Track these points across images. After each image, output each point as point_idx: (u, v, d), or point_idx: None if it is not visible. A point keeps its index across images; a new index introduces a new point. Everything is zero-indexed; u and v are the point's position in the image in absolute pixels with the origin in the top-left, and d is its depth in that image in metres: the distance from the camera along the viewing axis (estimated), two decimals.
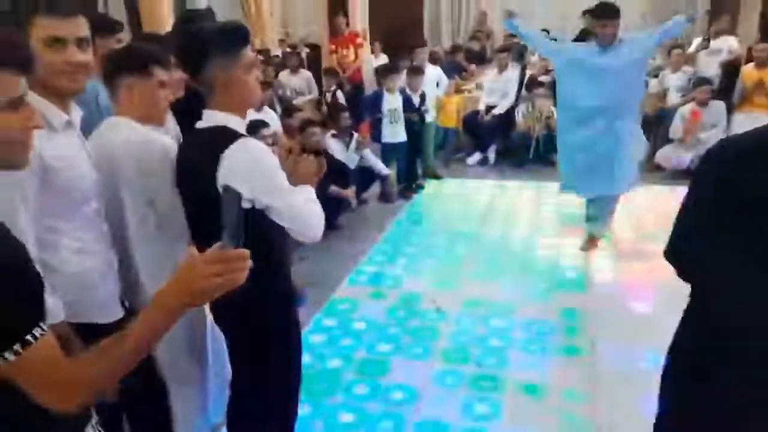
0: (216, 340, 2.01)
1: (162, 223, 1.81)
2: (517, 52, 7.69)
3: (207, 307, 1.93)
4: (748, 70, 5.84)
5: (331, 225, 4.55)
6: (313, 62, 8.24)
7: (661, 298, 3.35)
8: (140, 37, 3.27)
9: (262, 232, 1.59)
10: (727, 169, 1.25)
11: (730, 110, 5.72)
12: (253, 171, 1.59)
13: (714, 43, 6.32)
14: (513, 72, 6.71)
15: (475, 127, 6.60)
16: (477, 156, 6.65)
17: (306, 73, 7.59)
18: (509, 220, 4.86)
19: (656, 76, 6.67)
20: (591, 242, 4.14)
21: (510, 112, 6.46)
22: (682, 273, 1.35)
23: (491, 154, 6.61)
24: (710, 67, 6.28)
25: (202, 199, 1.63)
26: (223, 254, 0.96)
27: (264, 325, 1.77)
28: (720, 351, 1.28)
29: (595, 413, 2.55)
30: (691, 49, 6.60)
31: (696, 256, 1.31)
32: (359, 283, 3.83)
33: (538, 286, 3.69)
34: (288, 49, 8.81)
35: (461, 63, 7.95)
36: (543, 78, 6.75)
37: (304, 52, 8.86)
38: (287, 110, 5.50)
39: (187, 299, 0.98)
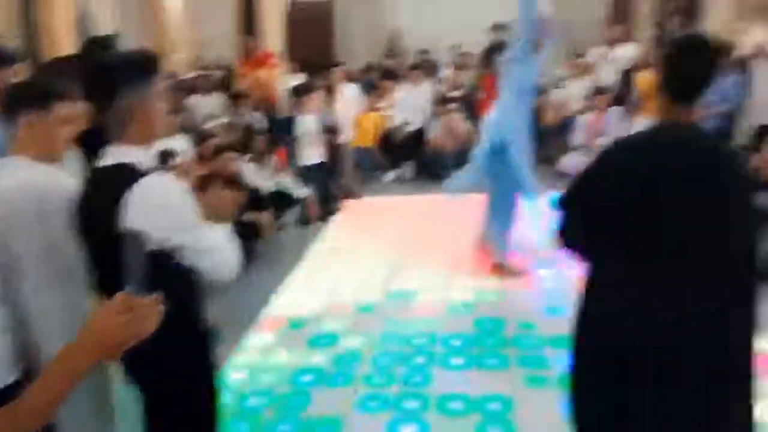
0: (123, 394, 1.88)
1: (62, 272, 1.70)
2: (430, 69, 7.85)
3: None
4: (644, 76, 6.20)
5: (246, 254, 4.43)
6: (226, 85, 8.07)
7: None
8: (41, 68, 3.07)
9: (172, 274, 1.51)
10: (622, 163, 1.52)
11: (629, 116, 6.04)
12: (160, 210, 1.51)
13: (612, 52, 6.68)
14: (426, 88, 6.83)
15: (391, 145, 6.65)
16: (393, 173, 6.69)
17: (218, 97, 7.43)
18: (429, 237, 4.89)
19: (558, 87, 6.99)
20: (499, 270, 4.07)
21: (424, 128, 6.56)
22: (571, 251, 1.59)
23: (408, 171, 6.67)
24: (610, 75, 6.63)
25: (105, 245, 1.52)
26: (131, 302, 0.91)
27: (178, 370, 1.67)
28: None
29: (520, 421, 2.59)
30: (591, 58, 6.94)
31: (585, 248, 1.56)
32: (278, 314, 3.73)
33: (459, 301, 3.72)
34: (199, 72, 8.61)
35: (376, 81, 8.01)
36: (454, 93, 6.90)
37: (216, 74, 8.68)
38: (199, 136, 5.35)
39: (96, 355, 0.91)
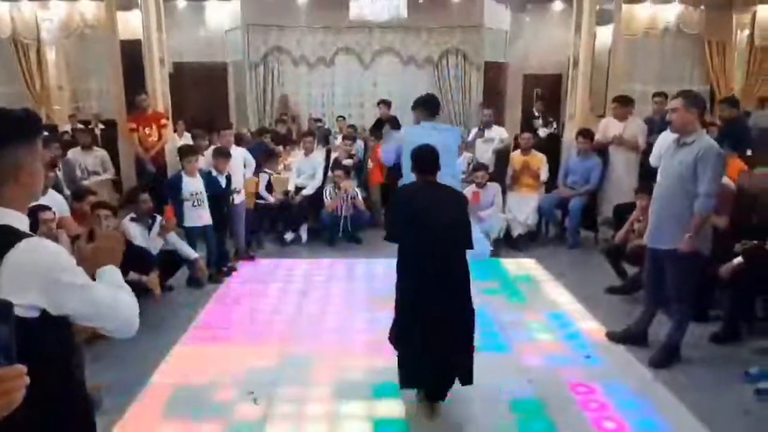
0: None
1: None
2: (322, 136, 8.01)
3: None
4: (516, 156, 6.79)
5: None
6: (109, 139, 7.67)
7: None
8: None
9: (45, 340, 1.37)
10: (405, 197, 3.12)
11: (504, 191, 6.53)
12: (41, 274, 1.37)
13: (488, 133, 7.24)
14: (319, 154, 6.94)
15: (287, 207, 6.62)
16: (289, 235, 6.65)
17: (100, 152, 7.04)
18: (325, 297, 4.86)
19: None
20: None
21: (318, 193, 6.62)
22: (392, 241, 3.07)
23: (303, 233, 6.66)
24: (486, 153, 7.16)
25: None
26: None
27: None
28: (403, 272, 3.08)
29: None
30: (470, 137, 7.47)
31: (398, 236, 3.05)
32: (166, 382, 3.47)
33: (357, 368, 3.68)
34: (80, 125, 8.13)
35: (268, 145, 8.01)
36: (346, 162, 7.07)
37: (99, 128, 8.25)
38: (77, 192, 4.99)
39: None
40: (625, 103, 6.49)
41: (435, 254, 2.93)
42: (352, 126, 8.59)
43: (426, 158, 3.15)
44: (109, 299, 1.49)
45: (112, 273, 1.58)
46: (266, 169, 6.59)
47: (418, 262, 2.97)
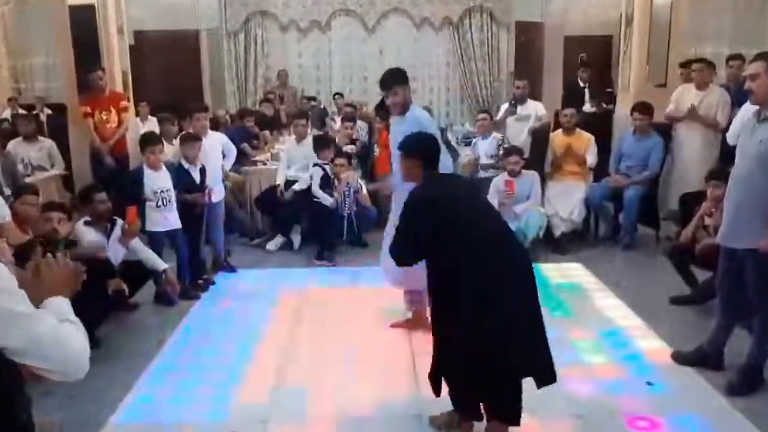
0: None
1: None
2: (318, 118, 8.03)
3: None
4: (557, 137, 6.77)
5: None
6: (57, 127, 7.73)
7: None
8: None
9: None
10: (431, 207, 2.94)
11: (543, 180, 6.51)
12: None
13: (521, 109, 7.22)
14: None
15: (274, 206, 6.64)
16: (278, 240, 6.66)
17: (47, 142, 7.09)
18: (323, 317, 4.86)
19: (468, 143, 7.39)
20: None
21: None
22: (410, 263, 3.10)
23: (295, 237, 6.67)
24: (520, 133, 7.14)
25: None
26: None
27: None
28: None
29: None
30: (500, 115, 7.45)
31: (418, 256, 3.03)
32: (131, 418, 3.49)
33: (363, 401, 3.69)
34: (21, 111, 8.20)
35: (251, 129, 8.06)
36: (348, 148, 7.08)
37: (45, 114, 8.31)
38: (19, 191, 5.02)
39: None
40: (710, 66, 6.44)
41: (502, 263, 2.86)
42: (350, 105, 8.61)
43: (436, 148, 3.27)
44: (53, 333, 1.50)
45: (59, 304, 1.60)
46: (320, 160, 6.43)
47: (488, 283, 2.82)
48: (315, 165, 6.39)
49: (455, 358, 2.96)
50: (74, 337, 1.54)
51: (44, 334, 1.47)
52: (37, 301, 1.55)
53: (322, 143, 6.51)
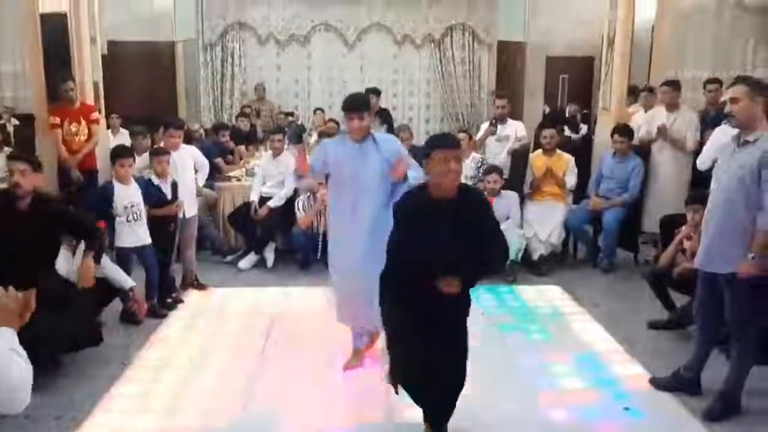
0: None
1: None
2: (295, 134, 7.98)
3: None
4: (537, 158, 6.82)
5: (47, 361, 4.10)
6: (24, 138, 7.64)
7: None
8: None
9: None
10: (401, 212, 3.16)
11: (522, 201, 6.55)
12: None
13: (501, 129, 7.28)
14: (290, 157, 6.93)
15: (248, 223, 6.61)
16: (252, 258, 6.62)
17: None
18: (296, 337, 4.82)
19: None
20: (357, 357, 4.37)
21: (289, 204, 6.60)
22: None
23: (269, 255, 6.64)
24: (499, 154, 7.19)
25: None
26: None
27: None
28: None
29: None
30: (480, 134, 7.51)
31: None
32: None
33: (338, 427, 3.66)
34: None
35: (225, 144, 8.03)
36: None
37: (12, 124, 8.22)
38: None
39: None
40: (676, 88, 6.59)
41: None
42: (333, 120, 8.62)
43: None
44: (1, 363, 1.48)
45: (6, 334, 1.58)
46: None
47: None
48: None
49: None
50: (19, 369, 1.52)
51: None
52: None
53: None
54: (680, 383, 3.96)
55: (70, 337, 4.15)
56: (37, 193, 4.19)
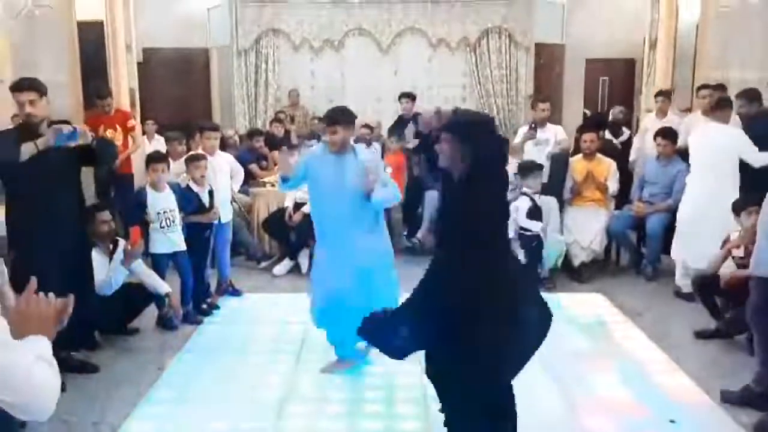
0: None
1: None
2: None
3: None
4: (578, 162, 6.75)
5: (79, 369, 4.19)
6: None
7: None
8: None
9: None
10: None
11: (562, 206, 6.49)
12: None
13: (540, 133, 7.22)
14: None
15: (283, 229, 6.66)
16: (286, 264, 6.67)
17: None
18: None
19: None
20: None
21: None
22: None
23: (304, 261, 6.67)
24: (538, 158, 7.11)
25: None
26: None
27: None
28: None
29: None
30: (518, 139, 7.46)
31: None
32: None
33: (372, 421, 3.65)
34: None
35: (260, 150, 8.11)
36: None
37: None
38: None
39: None
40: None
41: None
42: (367, 126, 8.64)
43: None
44: (23, 367, 1.50)
45: (38, 342, 1.60)
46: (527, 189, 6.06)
47: None
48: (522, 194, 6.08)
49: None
50: (47, 376, 1.55)
51: (17, 366, 1.48)
52: (18, 336, 1.56)
53: (528, 171, 6.13)
54: (751, 398, 3.80)
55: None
56: (50, 120, 4.17)
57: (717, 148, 5.59)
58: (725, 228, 5.01)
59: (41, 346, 1.59)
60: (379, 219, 4.23)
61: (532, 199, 6.01)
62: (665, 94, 7.27)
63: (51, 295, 1.70)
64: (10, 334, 1.53)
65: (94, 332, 4.70)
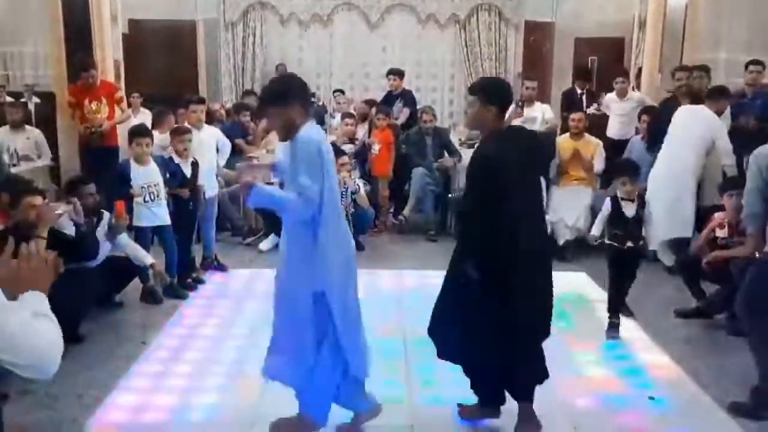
0: None
1: None
2: (317, 115, 8.03)
3: None
4: (564, 141, 6.77)
5: (67, 338, 4.16)
6: (45, 117, 7.74)
7: None
8: None
9: None
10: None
11: (548, 185, 6.52)
12: None
13: (528, 111, 7.23)
14: None
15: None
16: (272, 239, 6.67)
17: (35, 132, 7.10)
18: None
19: (471, 146, 7.37)
20: None
21: None
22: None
23: None
24: None
25: None
26: None
27: None
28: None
29: None
30: (506, 117, 7.45)
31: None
32: (110, 422, 3.49)
33: None
34: (9, 98, 8.21)
35: (246, 124, 8.06)
36: (347, 147, 7.09)
37: (33, 102, 8.33)
38: (6, 182, 5.03)
39: None
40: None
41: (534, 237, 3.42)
42: (366, 101, 8.58)
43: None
44: (25, 326, 1.50)
45: (34, 298, 1.60)
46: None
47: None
48: None
49: (486, 331, 3.15)
50: (48, 331, 1.54)
51: (16, 326, 1.48)
52: (12, 295, 1.56)
53: None
54: (763, 399, 3.58)
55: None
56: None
57: (697, 129, 5.68)
58: (677, 209, 5.50)
59: (37, 301, 1.59)
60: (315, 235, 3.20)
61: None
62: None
63: (41, 249, 1.69)
64: (3, 294, 1.53)
65: (78, 325, 4.55)
